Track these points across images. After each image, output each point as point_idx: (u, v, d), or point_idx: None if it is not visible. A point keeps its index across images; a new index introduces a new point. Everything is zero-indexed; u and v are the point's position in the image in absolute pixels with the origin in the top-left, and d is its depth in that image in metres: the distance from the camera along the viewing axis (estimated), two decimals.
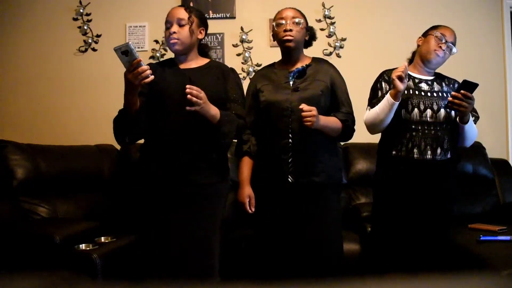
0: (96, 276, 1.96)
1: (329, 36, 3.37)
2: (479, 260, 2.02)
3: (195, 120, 1.81)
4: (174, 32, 1.88)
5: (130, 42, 1.63)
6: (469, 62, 3.31)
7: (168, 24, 1.91)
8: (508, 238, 2.22)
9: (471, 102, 1.94)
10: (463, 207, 2.85)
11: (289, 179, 1.94)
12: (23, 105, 3.37)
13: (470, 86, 1.93)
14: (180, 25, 1.89)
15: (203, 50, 2.05)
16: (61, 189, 2.67)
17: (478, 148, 3.07)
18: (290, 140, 1.95)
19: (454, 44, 2.11)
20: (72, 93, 3.36)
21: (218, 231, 1.92)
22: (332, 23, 3.37)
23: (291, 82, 2.01)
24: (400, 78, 1.93)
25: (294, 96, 1.97)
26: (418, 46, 2.18)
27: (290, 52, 2.04)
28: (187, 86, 1.69)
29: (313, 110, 1.84)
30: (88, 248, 2.10)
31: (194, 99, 1.69)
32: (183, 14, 1.90)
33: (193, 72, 1.93)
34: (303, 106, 1.83)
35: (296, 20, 2.00)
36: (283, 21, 1.99)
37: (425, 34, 2.16)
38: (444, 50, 2.08)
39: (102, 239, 2.25)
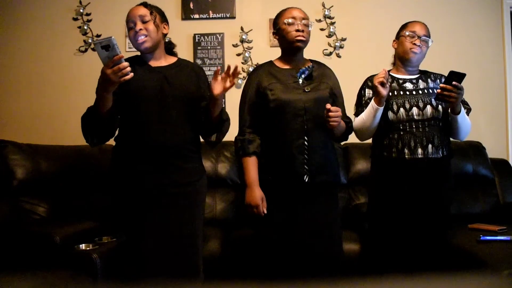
0: (96, 276, 1.96)
1: (329, 36, 3.37)
2: (479, 260, 2.02)
3: (177, 119, 1.84)
4: (141, 29, 1.83)
5: (113, 37, 1.57)
6: (469, 62, 3.32)
7: (131, 23, 1.85)
8: (508, 238, 2.22)
9: (460, 92, 1.91)
10: (463, 207, 2.86)
11: (305, 179, 1.93)
12: (23, 105, 3.37)
13: (458, 76, 1.90)
14: (144, 22, 1.84)
15: (169, 48, 2.04)
16: (61, 189, 2.67)
17: (478, 148, 3.08)
18: (305, 140, 1.94)
19: (428, 36, 2.10)
20: (72, 93, 3.35)
21: (201, 229, 1.93)
22: (332, 23, 3.37)
23: (300, 81, 2.01)
24: (382, 84, 1.95)
25: (307, 96, 1.97)
26: (396, 49, 2.18)
27: (297, 52, 2.04)
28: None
29: (339, 111, 1.87)
30: (88, 248, 2.10)
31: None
32: (144, 10, 1.86)
33: (166, 70, 1.91)
34: (329, 106, 1.85)
35: (307, 22, 2.01)
36: (295, 21, 1.99)
37: (398, 36, 2.16)
38: (419, 45, 2.07)
39: (103, 239, 2.25)
